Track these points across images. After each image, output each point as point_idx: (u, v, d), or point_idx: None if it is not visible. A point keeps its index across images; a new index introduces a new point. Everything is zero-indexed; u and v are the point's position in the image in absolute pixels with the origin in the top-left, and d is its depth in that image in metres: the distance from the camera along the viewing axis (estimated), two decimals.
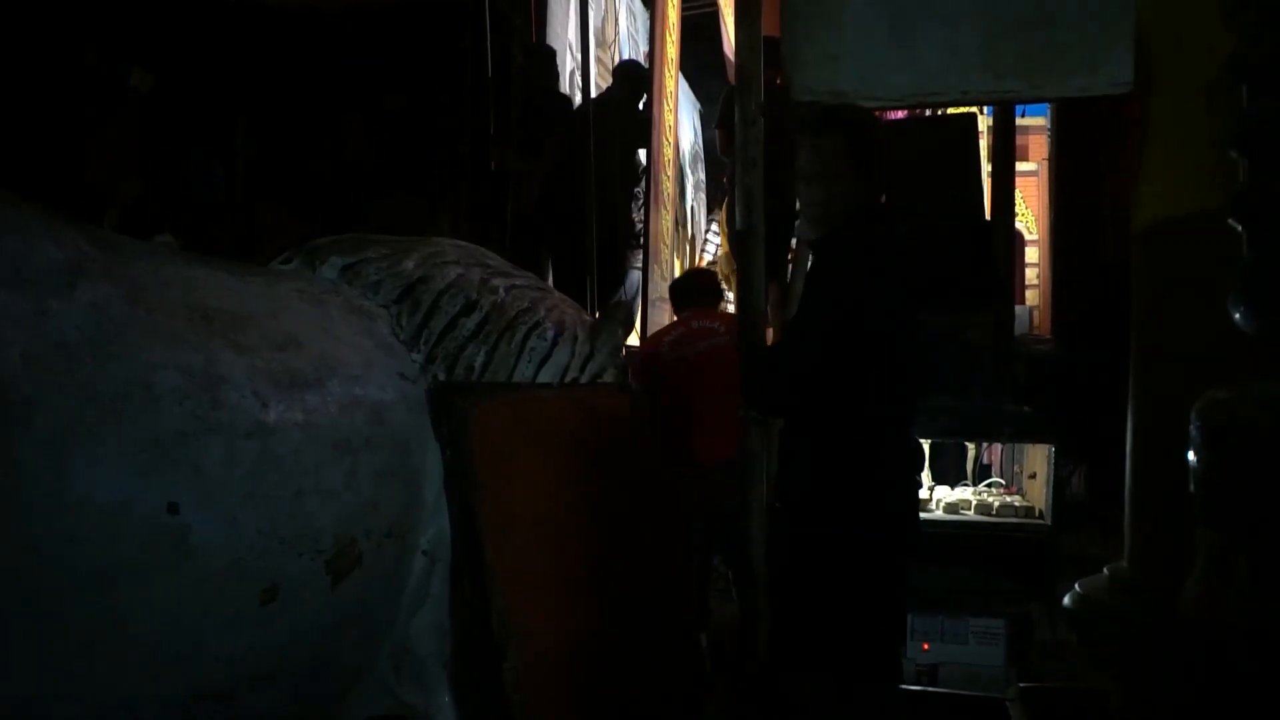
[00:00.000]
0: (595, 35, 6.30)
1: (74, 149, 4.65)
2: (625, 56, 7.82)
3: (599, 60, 6.55)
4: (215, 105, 5.16)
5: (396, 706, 2.22)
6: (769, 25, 2.98)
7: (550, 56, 6.07)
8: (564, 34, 6.92)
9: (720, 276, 7.02)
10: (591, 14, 5.96)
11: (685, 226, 8.77)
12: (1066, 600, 2.40)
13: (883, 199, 2.47)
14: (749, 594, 2.82)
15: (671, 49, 6.49)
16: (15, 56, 4.30)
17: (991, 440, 4.75)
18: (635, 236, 5.94)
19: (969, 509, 3.87)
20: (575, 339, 2.59)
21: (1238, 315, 1.59)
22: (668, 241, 6.56)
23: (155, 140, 5.02)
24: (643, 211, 5.93)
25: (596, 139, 5.16)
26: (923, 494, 3.83)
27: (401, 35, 5.67)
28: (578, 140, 5.25)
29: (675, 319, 4.27)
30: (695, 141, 10.00)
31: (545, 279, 4.76)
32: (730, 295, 7.77)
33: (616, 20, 7.94)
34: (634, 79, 6.13)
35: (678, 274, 6.94)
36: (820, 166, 2.36)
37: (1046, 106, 7.87)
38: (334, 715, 2.16)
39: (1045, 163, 9.69)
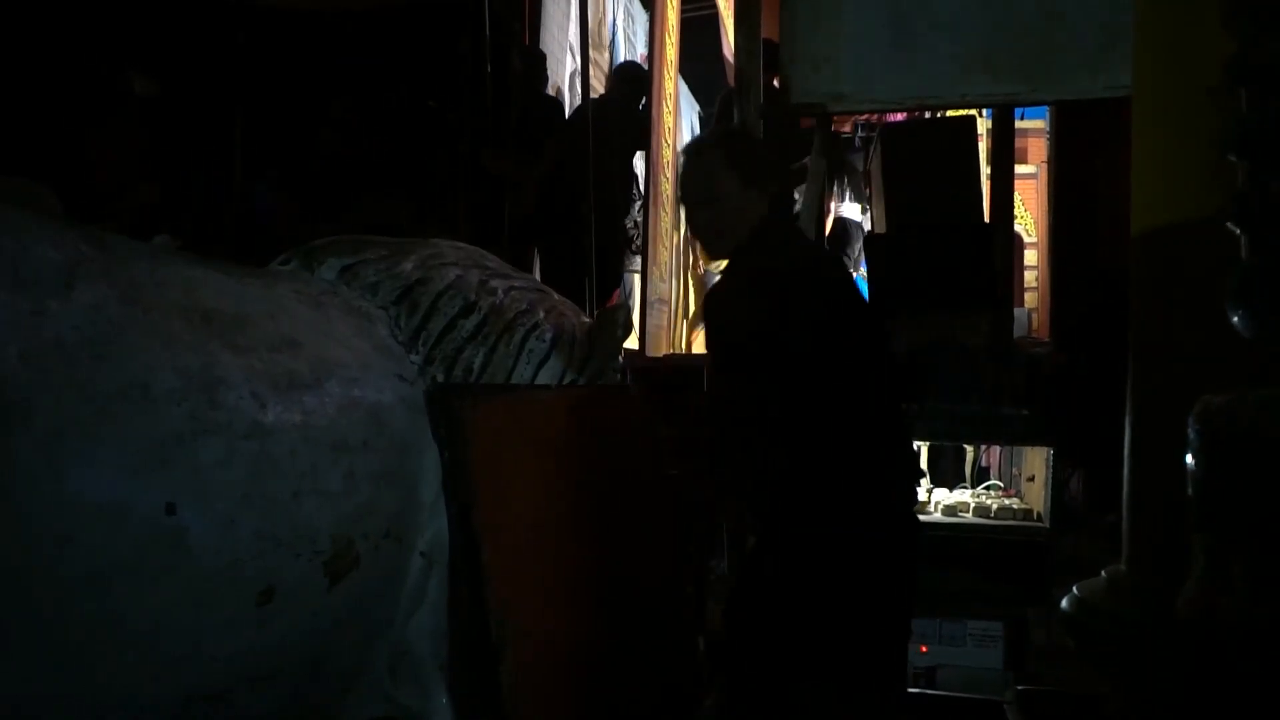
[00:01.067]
0: (592, 37, 6.31)
1: (78, 152, 4.65)
2: (621, 58, 7.82)
3: (594, 63, 6.55)
4: (219, 109, 5.15)
5: (393, 709, 2.22)
6: (768, 28, 2.99)
7: (541, 61, 6.07)
8: (561, 36, 6.92)
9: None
10: (590, 15, 5.96)
11: (681, 229, 8.78)
12: (1064, 603, 2.39)
13: (780, 209, 2.45)
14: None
15: (671, 50, 6.50)
16: (17, 59, 4.30)
17: (990, 442, 4.75)
18: (633, 239, 5.95)
19: (967, 511, 3.88)
20: (574, 341, 2.59)
21: (1237, 319, 1.59)
22: (666, 244, 6.56)
23: (166, 144, 5.01)
24: (641, 214, 5.93)
25: (596, 141, 5.16)
26: (921, 496, 3.83)
27: (400, 36, 5.67)
28: (577, 142, 5.25)
29: None
30: None
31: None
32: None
33: (615, 21, 7.94)
34: (634, 80, 6.13)
35: (676, 276, 6.94)
36: (703, 189, 2.34)
37: (1045, 109, 7.88)
38: (331, 717, 2.16)
39: (1044, 165, 9.68)
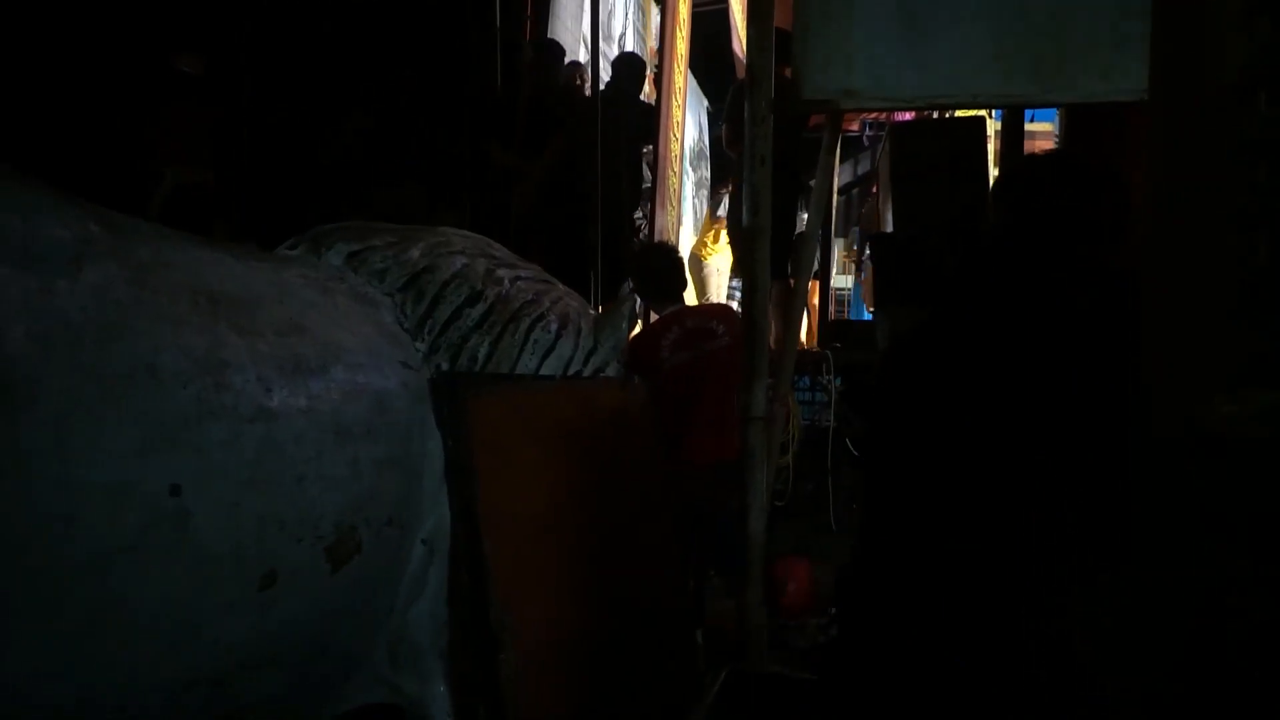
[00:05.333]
0: (602, 30, 6.29)
1: (125, 134, 4.62)
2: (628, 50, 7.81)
3: (602, 54, 6.54)
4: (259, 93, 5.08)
5: (392, 695, 2.22)
6: (780, 18, 2.98)
7: (559, 54, 6.05)
8: (573, 27, 6.91)
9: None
10: (601, 8, 5.95)
11: (683, 223, 8.78)
12: None
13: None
14: (746, 592, 2.83)
15: (682, 45, 6.50)
16: (58, 45, 4.28)
17: None
18: (639, 231, 5.95)
19: None
20: (579, 332, 2.59)
21: (1249, 323, 1.58)
22: (672, 236, 6.56)
23: (222, 129, 4.98)
24: (648, 206, 5.93)
25: (604, 134, 5.16)
26: None
27: (410, 25, 5.66)
28: (586, 135, 5.24)
29: (660, 317, 4.00)
30: (699, 138, 9.98)
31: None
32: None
33: (627, 14, 7.94)
34: (633, 69, 6.10)
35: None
36: None
37: (1055, 111, 7.87)
38: (330, 703, 2.16)
39: None
